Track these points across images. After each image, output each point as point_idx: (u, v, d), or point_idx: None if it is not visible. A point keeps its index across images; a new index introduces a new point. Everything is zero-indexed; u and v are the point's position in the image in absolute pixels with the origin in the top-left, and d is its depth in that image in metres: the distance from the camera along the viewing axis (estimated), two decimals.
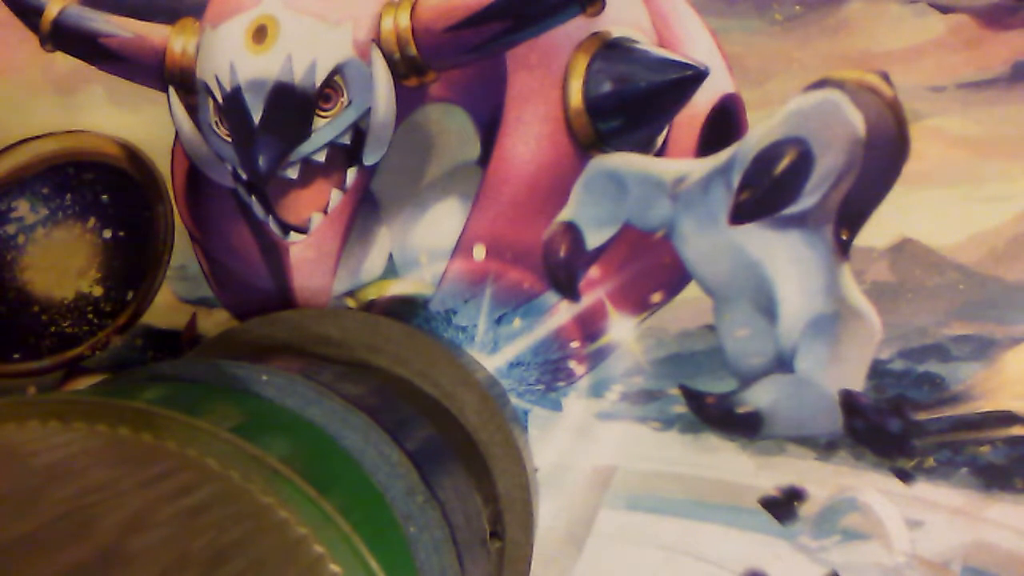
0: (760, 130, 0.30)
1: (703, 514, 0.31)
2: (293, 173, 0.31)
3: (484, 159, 0.31)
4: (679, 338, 0.31)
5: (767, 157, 0.29)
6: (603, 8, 0.30)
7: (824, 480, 0.30)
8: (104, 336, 0.33)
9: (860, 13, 0.29)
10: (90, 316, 0.33)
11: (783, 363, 0.30)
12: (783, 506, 0.30)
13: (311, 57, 0.30)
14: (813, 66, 0.30)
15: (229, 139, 0.31)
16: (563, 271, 0.31)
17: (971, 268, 0.29)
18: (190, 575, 0.13)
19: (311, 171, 0.31)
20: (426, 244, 0.32)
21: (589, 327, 0.31)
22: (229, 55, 0.30)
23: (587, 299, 0.31)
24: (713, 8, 0.30)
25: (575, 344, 0.31)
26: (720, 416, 0.31)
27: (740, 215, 0.30)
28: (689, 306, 0.31)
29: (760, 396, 0.30)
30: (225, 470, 0.16)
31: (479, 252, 0.31)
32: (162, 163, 0.33)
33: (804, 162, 0.29)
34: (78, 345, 0.33)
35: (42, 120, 0.33)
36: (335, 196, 0.31)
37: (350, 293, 0.32)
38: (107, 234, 0.33)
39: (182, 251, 0.33)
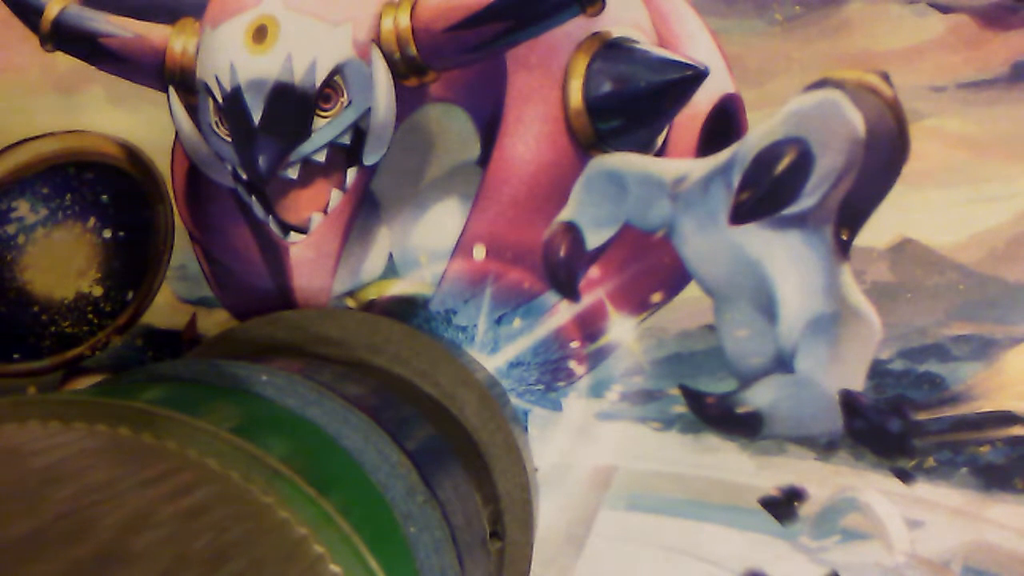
0: (760, 130, 0.30)
1: (703, 514, 0.31)
2: (293, 173, 0.31)
3: (484, 159, 0.31)
4: (679, 338, 0.31)
5: (767, 157, 0.29)
6: (603, 8, 0.30)
7: (824, 480, 0.30)
8: (104, 336, 0.33)
9: (860, 13, 0.29)
10: (90, 316, 0.33)
11: (783, 363, 0.30)
12: (783, 506, 0.30)
13: (311, 57, 0.30)
14: (813, 66, 0.30)
15: (229, 139, 0.31)
16: (563, 271, 0.31)
17: (971, 268, 0.29)
18: (190, 575, 0.13)
19: (311, 171, 0.31)
20: (426, 244, 0.32)
21: (589, 327, 0.31)
22: (229, 55, 0.30)
23: (587, 299, 0.31)
24: (713, 8, 0.30)
25: (575, 344, 0.31)
26: (720, 416, 0.31)
27: (740, 215, 0.30)
28: (689, 306, 0.31)
29: (760, 396, 0.30)
30: (225, 470, 0.16)
31: (479, 252, 0.31)
32: (162, 163, 0.33)
33: (804, 162, 0.29)
34: (78, 345, 0.33)
35: (42, 120, 0.33)
36: (335, 196, 0.31)
37: (350, 293, 0.32)
38: (107, 234, 0.33)
39: (182, 251, 0.33)
